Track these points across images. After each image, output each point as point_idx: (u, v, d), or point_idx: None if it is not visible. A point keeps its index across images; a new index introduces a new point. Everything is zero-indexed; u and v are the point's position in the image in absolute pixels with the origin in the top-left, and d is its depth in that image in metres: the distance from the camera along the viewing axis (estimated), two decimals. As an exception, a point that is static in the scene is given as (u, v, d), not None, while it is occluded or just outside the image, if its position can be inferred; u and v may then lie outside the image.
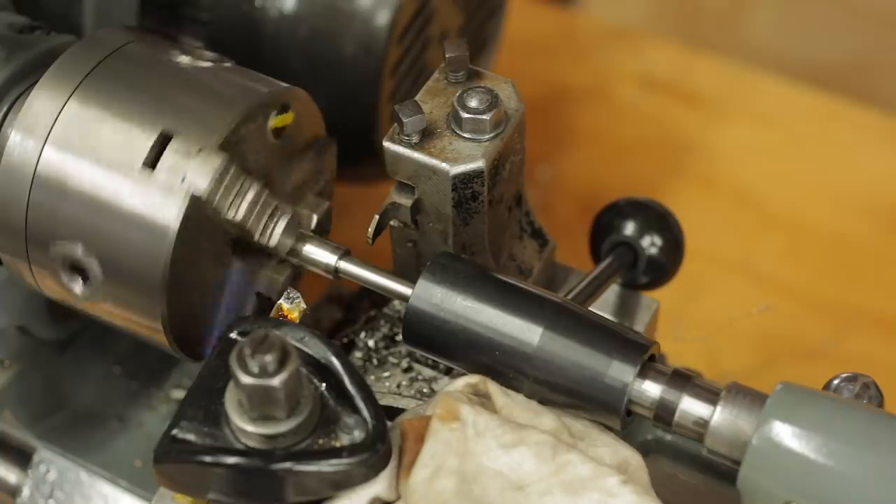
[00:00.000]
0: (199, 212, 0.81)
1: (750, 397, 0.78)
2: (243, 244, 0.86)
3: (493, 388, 0.81)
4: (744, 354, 1.24)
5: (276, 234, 0.85)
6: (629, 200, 0.96)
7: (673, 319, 1.02)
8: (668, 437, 0.93)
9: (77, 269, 0.84)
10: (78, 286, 0.85)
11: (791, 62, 1.54)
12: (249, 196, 0.83)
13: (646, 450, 0.93)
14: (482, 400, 0.81)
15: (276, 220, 0.85)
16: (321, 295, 0.97)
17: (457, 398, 0.79)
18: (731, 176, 1.35)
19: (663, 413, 0.79)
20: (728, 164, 1.36)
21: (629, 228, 0.95)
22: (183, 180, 0.80)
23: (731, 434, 0.77)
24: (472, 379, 0.81)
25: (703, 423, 0.78)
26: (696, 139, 1.37)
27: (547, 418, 0.80)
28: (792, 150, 1.37)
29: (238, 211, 0.83)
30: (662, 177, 1.34)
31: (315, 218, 0.89)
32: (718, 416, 0.78)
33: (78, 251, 0.83)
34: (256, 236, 0.85)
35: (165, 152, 0.81)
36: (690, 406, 0.79)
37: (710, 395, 0.79)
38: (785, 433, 0.75)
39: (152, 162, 0.81)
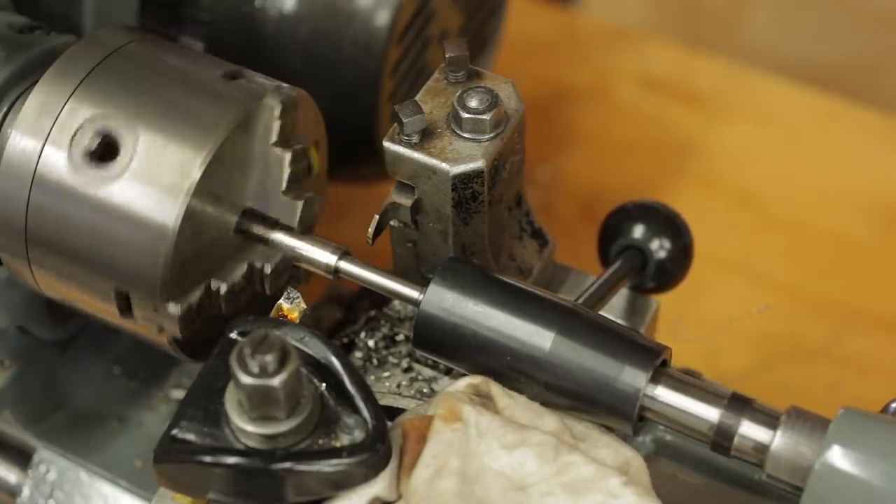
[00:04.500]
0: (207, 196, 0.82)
1: (810, 422, 0.77)
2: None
3: (496, 389, 0.81)
4: (744, 354, 1.24)
5: (266, 272, 0.87)
6: (638, 203, 0.96)
7: (673, 319, 1.02)
8: (669, 437, 0.93)
9: (104, 148, 0.83)
10: (98, 167, 0.82)
11: (791, 62, 1.54)
12: (223, 266, 0.86)
13: (646, 451, 0.93)
14: (484, 401, 0.81)
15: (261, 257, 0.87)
16: (321, 295, 0.97)
17: (458, 399, 0.79)
18: (732, 176, 1.35)
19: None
20: (728, 164, 1.36)
21: (638, 232, 0.95)
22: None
23: (754, 446, 0.78)
24: (474, 380, 0.81)
25: (712, 427, 0.78)
26: (696, 139, 1.37)
27: (549, 419, 0.80)
28: (792, 150, 1.37)
29: (220, 279, 0.85)
30: (662, 177, 1.34)
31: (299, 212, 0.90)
32: (721, 416, 0.78)
33: (119, 124, 0.82)
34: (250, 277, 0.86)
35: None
36: (699, 410, 0.79)
37: (716, 397, 0.79)
38: (848, 459, 0.75)
39: None
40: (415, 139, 0.85)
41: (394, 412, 0.84)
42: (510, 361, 0.81)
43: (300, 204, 0.87)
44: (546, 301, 0.81)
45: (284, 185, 0.86)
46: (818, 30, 1.64)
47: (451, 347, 0.82)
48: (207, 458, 0.76)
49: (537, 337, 0.80)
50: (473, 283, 0.82)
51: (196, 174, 0.80)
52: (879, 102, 1.42)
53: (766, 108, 1.40)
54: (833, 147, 1.37)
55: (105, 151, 0.83)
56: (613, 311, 0.94)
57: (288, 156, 0.86)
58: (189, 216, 0.81)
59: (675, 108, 1.40)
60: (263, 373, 0.74)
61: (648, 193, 1.26)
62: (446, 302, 0.82)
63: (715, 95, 1.41)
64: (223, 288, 0.85)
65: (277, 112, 0.85)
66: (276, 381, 0.74)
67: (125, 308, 0.85)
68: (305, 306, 0.85)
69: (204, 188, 0.81)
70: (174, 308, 0.83)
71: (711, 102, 1.40)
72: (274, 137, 0.85)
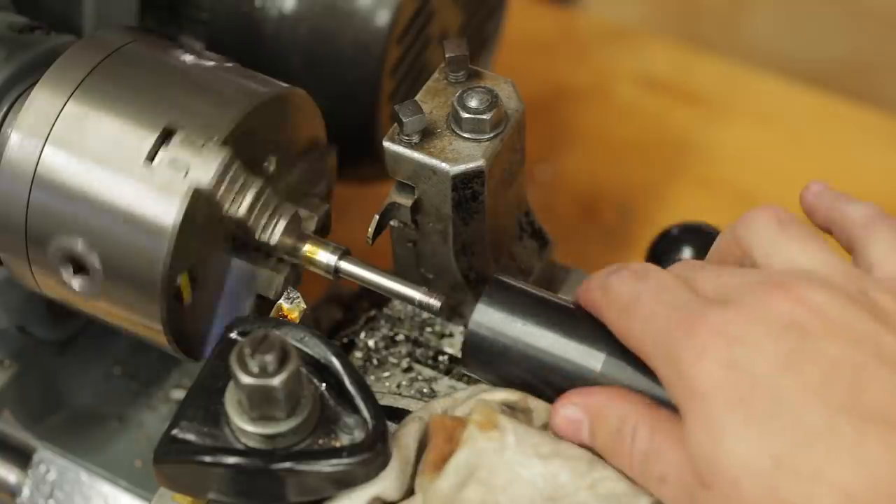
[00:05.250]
0: (200, 207, 0.81)
1: None
2: (243, 242, 0.86)
3: (538, 404, 0.81)
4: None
5: (276, 232, 0.85)
6: (683, 227, 0.95)
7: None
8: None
9: (77, 263, 0.84)
10: (77, 281, 0.84)
11: (791, 62, 1.54)
12: (251, 193, 0.83)
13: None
14: (517, 414, 0.80)
15: (277, 218, 0.85)
16: (321, 295, 0.97)
17: (494, 408, 0.79)
18: (731, 176, 1.34)
19: None
20: (728, 164, 1.35)
21: (687, 255, 0.94)
22: (186, 174, 0.80)
23: None
24: (512, 395, 0.81)
25: None
26: (696, 139, 1.37)
27: None
28: (792, 150, 1.37)
29: (240, 207, 0.83)
30: (662, 177, 1.34)
31: (316, 219, 0.89)
32: None
33: (78, 245, 0.83)
34: (257, 234, 0.85)
35: (168, 146, 0.81)
36: None
37: None
38: None
39: (153, 156, 0.81)
40: (415, 139, 0.85)
41: (394, 412, 0.84)
42: (561, 382, 0.80)
43: (325, 208, 0.89)
44: (596, 321, 0.80)
45: (257, 233, 0.86)
46: (818, 30, 1.64)
47: (500, 368, 0.81)
48: (207, 458, 0.76)
49: (588, 358, 0.79)
50: (521, 303, 0.81)
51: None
52: (879, 102, 1.41)
53: (766, 108, 1.40)
54: (833, 147, 1.37)
55: (79, 268, 0.83)
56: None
57: (243, 211, 0.85)
58: (189, 216, 0.81)
59: (675, 108, 1.39)
60: (263, 373, 0.74)
61: (648, 193, 1.26)
62: (495, 322, 0.81)
63: (715, 95, 1.40)
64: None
65: (216, 184, 0.82)
66: (276, 381, 0.74)
67: (125, 302, 0.84)
68: (305, 306, 0.86)
69: (177, 274, 0.82)
70: (173, 304, 0.83)
71: (711, 102, 1.40)
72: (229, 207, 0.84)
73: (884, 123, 1.38)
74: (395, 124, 0.85)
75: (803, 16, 1.65)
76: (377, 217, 0.87)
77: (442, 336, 0.93)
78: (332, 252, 0.87)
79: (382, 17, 1.00)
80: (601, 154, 1.36)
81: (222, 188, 0.82)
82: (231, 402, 0.76)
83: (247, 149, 0.83)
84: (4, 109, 0.87)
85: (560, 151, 1.36)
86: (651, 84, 1.41)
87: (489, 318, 0.81)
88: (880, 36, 1.62)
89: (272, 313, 0.86)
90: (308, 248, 0.87)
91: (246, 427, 0.76)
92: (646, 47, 1.45)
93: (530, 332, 0.80)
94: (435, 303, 0.85)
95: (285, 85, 0.87)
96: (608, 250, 1.26)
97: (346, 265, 0.86)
